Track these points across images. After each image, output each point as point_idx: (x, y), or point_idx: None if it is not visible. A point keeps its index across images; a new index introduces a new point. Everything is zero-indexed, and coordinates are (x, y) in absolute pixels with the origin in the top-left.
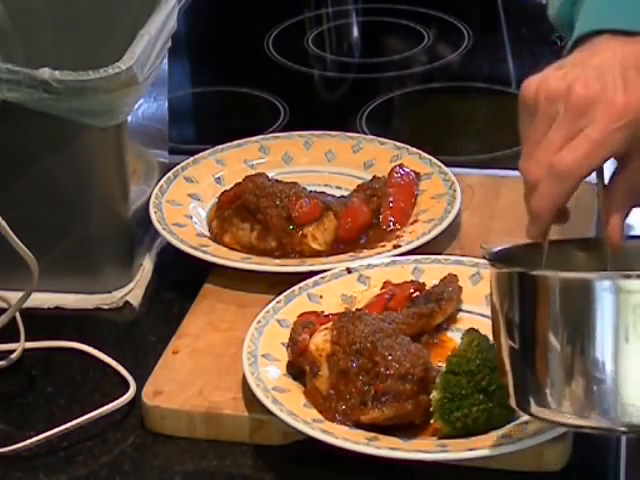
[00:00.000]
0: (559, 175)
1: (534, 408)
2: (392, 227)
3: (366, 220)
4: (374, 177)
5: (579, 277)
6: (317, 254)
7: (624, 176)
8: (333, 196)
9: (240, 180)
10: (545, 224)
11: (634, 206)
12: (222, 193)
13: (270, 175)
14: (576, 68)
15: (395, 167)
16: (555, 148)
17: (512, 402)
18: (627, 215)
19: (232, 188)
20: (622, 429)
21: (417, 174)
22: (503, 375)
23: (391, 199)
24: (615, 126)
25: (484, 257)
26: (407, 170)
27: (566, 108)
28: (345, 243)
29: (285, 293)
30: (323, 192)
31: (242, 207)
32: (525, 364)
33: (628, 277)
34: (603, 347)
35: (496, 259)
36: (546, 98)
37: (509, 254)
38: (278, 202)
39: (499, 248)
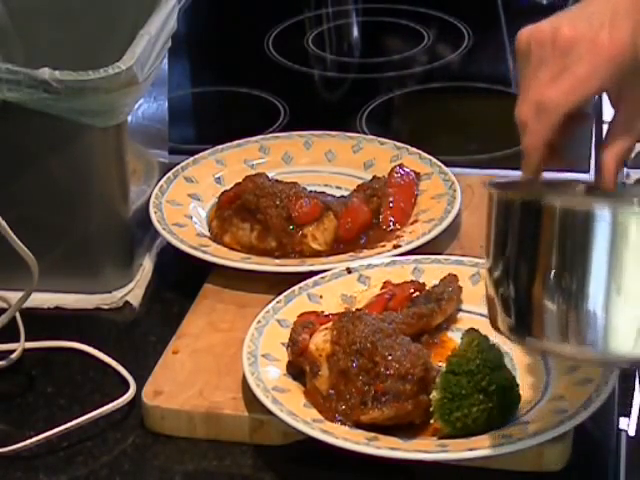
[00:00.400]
0: (544, 110)
1: (520, 333)
2: (392, 227)
3: (366, 220)
4: (374, 177)
5: (577, 206)
6: (317, 254)
7: (616, 117)
8: (333, 196)
9: (240, 180)
10: (536, 161)
11: (627, 150)
12: (222, 193)
13: (270, 175)
14: (568, 14)
15: (395, 167)
16: (542, 86)
17: (499, 325)
18: (622, 158)
19: (232, 188)
20: (609, 359)
21: (417, 174)
22: (490, 300)
23: (391, 199)
24: (599, 63)
25: (487, 185)
26: (407, 170)
27: (553, 48)
28: (345, 243)
29: (285, 293)
30: (323, 192)
31: (242, 207)
32: (521, 289)
33: (623, 208)
34: (598, 277)
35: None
36: (536, 42)
37: (510, 186)
38: (278, 202)
39: (501, 181)
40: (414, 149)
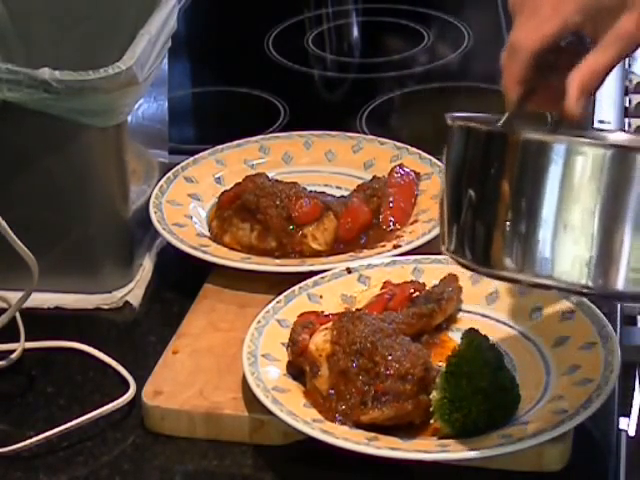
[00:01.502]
0: (514, 50)
1: (471, 257)
2: (392, 227)
3: (366, 220)
4: (374, 177)
5: (535, 137)
6: (317, 254)
7: (589, 55)
8: (333, 196)
9: (240, 180)
10: (512, 99)
11: (594, 75)
12: (222, 193)
13: (270, 175)
14: None
15: (395, 167)
16: (515, 30)
17: (445, 249)
18: (588, 85)
19: (232, 188)
20: (559, 287)
21: (417, 174)
22: (442, 222)
23: (391, 199)
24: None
25: (448, 116)
26: (407, 170)
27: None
28: (345, 243)
29: (285, 293)
30: (323, 192)
31: (242, 207)
32: (479, 215)
33: (576, 143)
34: (548, 210)
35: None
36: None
37: (469, 119)
38: (278, 202)
39: (460, 114)
40: (414, 149)
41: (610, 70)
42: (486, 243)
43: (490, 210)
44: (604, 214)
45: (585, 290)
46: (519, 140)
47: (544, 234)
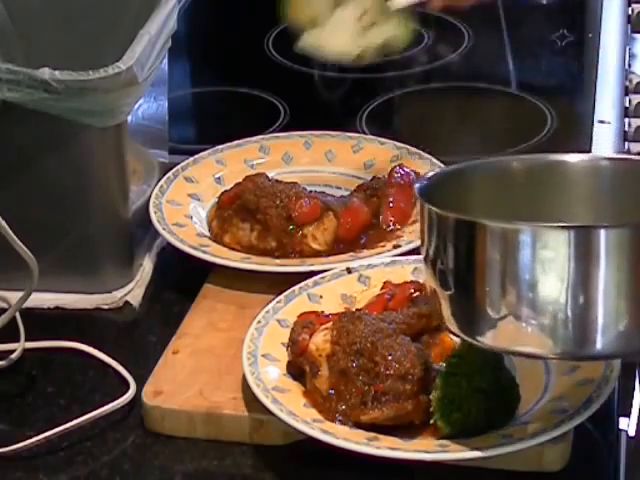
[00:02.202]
0: None
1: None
2: (392, 227)
3: (366, 220)
4: (374, 177)
5: (503, 226)
6: (317, 254)
7: None
8: (333, 196)
9: (240, 180)
10: None
11: None
12: (222, 193)
13: (270, 175)
14: None
15: (395, 167)
16: None
17: (450, 326)
18: None
19: (232, 188)
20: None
21: (417, 174)
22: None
23: (391, 199)
24: None
25: (417, 194)
26: (407, 170)
27: None
28: (345, 243)
29: (285, 293)
30: (323, 192)
31: (242, 207)
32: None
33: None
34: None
35: (426, 193)
36: None
37: (436, 187)
38: (278, 202)
39: (426, 180)
40: (414, 149)
41: None
42: (466, 315)
43: (467, 286)
44: (573, 288)
45: (560, 356)
46: (486, 228)
47: (518, 309)
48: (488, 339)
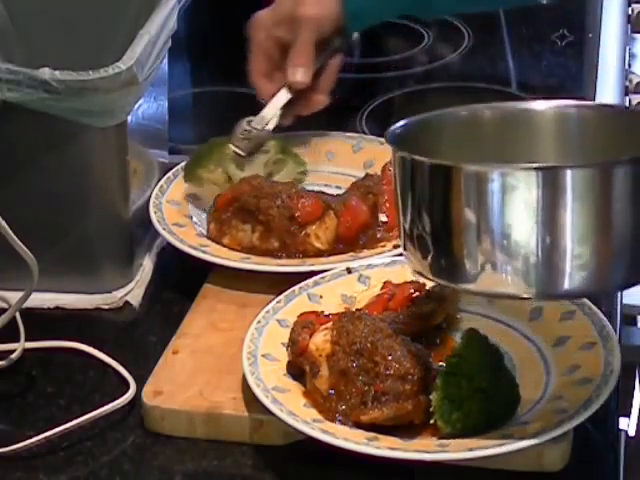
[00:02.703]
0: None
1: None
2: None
3: (365, 218)
4: (367, 174)
5: (476, 168)
6: (319, 253)
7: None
8: (329, 195)
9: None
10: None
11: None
12: (217, 196)
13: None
14: None
15: (388, 164)
16: None
17: (431, 277)
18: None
19: (228, 190)
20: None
21: None
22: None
23: (387, 197)
24: None
25: (389, 142)
26: None
27: None
28: (345, 242)
29: (285, 293)
30: (320, 191)
31: (242, 208)
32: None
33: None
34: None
35: (397, 142)
36: None
37: (407, 135)
38: (279, 202)
39: (397, 129)
40: None
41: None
42: (440, 260)
43: (441, 232)
44: (542, 226)
45: (529, 295)
46: (460, 171)
47: (491, 250)
48: (468, 284)
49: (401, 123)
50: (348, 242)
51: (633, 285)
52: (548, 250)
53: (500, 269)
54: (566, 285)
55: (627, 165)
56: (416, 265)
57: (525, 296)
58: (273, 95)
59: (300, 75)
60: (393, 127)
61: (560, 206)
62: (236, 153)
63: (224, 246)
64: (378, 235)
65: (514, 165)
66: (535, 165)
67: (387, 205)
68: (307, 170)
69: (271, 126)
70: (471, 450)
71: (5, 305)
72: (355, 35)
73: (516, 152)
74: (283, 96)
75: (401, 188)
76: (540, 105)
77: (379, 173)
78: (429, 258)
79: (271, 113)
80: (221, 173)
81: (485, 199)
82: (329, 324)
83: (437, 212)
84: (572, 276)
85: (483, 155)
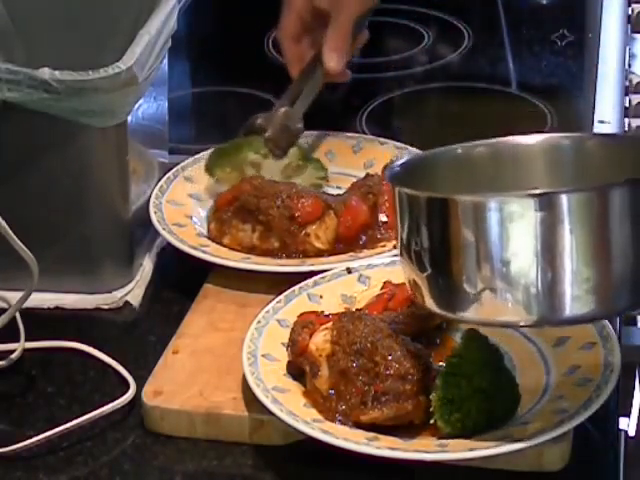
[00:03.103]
0: None
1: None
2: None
3: (365, 218)
4: (367, 174)
5: (472, 199)
6: (320, 253)
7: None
8: (329, 194)
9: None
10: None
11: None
12: (218, 195)
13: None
14: None
15: (388, 164)
16: None
17: (431, 307)
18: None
19: (229, 190)
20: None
21: None
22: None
23: (387, 197)
24: None
25: (388, 179)
26: None
27: None
28: (345, 241)
29: (285, 293)
30: (320, 191)
31: (242, 208)
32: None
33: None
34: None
35: (397, 179)
36: None
37: (407, 172)
38: (279, 202)
39: (396, 167)
40: (414, 149)
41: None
42: (445, 293)
43: (441, 263)
44: (541, 252)
45: (529, 323)
46: (456, 203)
47: (492, 281)
48: (468, 313)
49: (400, 162)
50: (348, 242)
51: (636, 308)
52: (548, 276)
53: (500, 297)
54: (567, 311)
55: (624, 188)
56: (419, 299)
57: (525, 324)
58: (298, 59)
59: (335, 61)
60: (392, 165)
61: (558, 232)
62: (272, 152)
63: (224, 246)
64: (378, 235)
65: (510, 193)
66: (531, 192)
67: (387, 205)
68: (327, 175)
69: (301, 123)
70: (471, 450)
71: (5, 305)
72: None
73: (511, 184)
74: (313, 88)
75: (401, 223)
76: (532, 139)
77: (379, 173)
78: (431, 291)
79: (304, 107)
80: (236, 177)
81: (482, 228)
82: (329, 324)
83: (436, 244)
84: (574, 302)
85: (478, 189)
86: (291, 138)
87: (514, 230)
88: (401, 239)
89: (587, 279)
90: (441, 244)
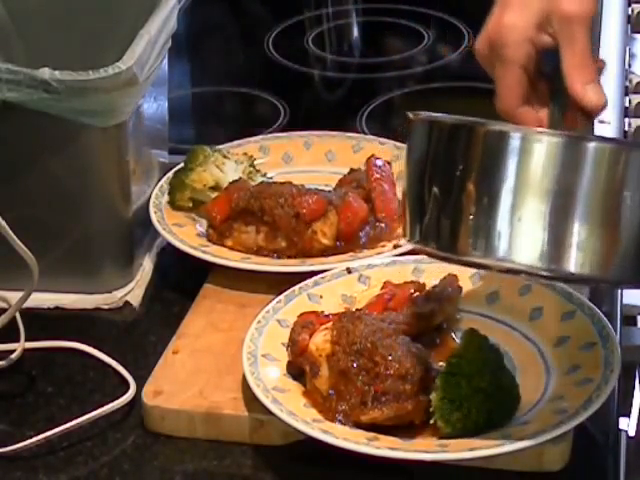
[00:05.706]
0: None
1: (436, 246)
2: (384, 220)
3: (365, 213)
4: (351, 169)
5: (499, 128)
6: (325, 249)
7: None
8: (324, 191)
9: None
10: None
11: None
12: (212, 214)
13: (270, 175)
14: None
15: (370, 158)
16: None
17: (408, 240)
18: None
19: (219, 197)
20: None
21: (389, 163)
22: (405, 215)
23: (378, 190)
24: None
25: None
26: (382, 161)
27: None
28: (346, 237)
29: (285, 293)
30: (316, 189)
31: (243, 211)
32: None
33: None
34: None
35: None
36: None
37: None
38: (282, 201)
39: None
40: None
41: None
42: (451, 233)
43: (454, 200)
44: (556, 201)
45: (542, 272)
46: (482, 131)
47: (504, 221)
48: (478, 252)
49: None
50: (349, 238)
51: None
52: (560, 224)
53: (511, 236)
54: (570, 265)
55: None
56: (428, 246)
57: (530, 271)
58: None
59: (595, 95)
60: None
61: (578, 179)
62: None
63: (227, 248)
64: (378, 230)
65: (534, 129)
66: (560, 132)
67: (379, 197)
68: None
69: None
70: (471, 450)
71: (5, 305)
72: (355, 35)
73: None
74: None
75: (418, 158)
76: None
77: (362, 167)
78: (443, 236)
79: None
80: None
81: (502, 160)
82: (329, 324)
83: (454, 178)
84: (580, 256)
85: None
86: None
87: (533, 168)
88: (411, 174)
89: (598, 235)
90: (457, 178)
